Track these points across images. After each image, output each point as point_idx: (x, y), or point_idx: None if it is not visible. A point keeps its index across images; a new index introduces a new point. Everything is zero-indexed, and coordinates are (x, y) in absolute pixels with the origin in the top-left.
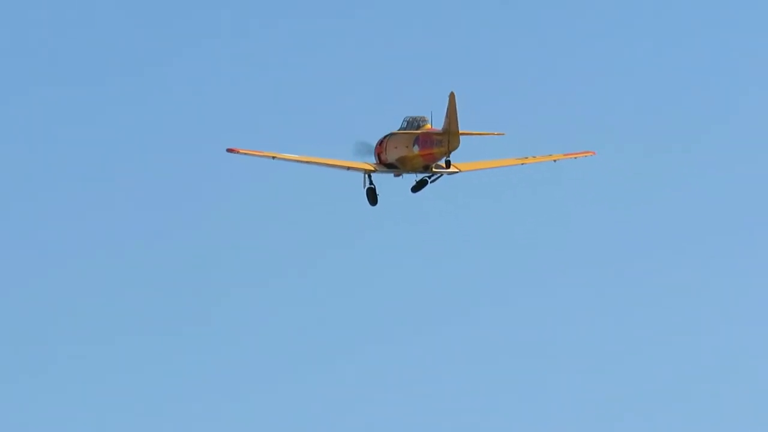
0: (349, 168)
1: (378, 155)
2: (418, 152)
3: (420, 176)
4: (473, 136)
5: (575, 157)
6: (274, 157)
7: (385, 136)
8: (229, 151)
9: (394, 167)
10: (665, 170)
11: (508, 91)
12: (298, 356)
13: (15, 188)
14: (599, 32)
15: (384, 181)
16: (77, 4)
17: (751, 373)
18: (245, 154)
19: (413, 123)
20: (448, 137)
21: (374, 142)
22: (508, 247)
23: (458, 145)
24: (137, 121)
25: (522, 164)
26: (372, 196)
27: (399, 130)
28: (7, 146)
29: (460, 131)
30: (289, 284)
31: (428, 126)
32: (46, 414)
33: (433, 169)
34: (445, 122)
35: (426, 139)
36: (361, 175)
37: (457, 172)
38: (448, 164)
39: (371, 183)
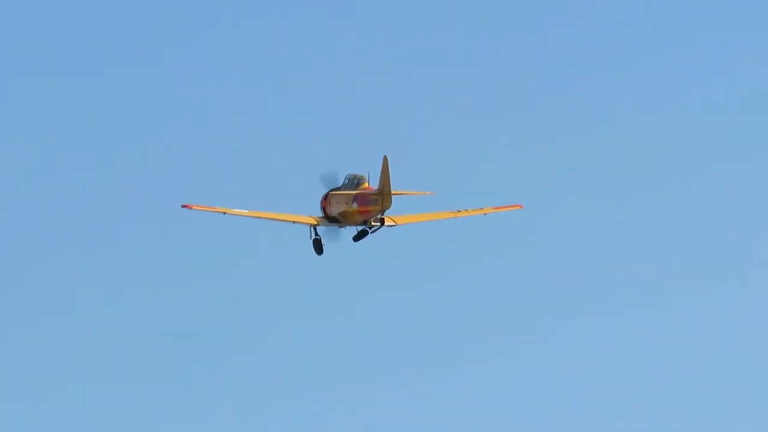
0: (294, 222)
1: (323, 209)
2: (357, 209)
3: (360, 228)
4: (405, 195)
5: (504, 210)
6: (225, 213)
7: (330, 191)
8: (184, 206)
9: (336, 221)
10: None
11: (439, 150)
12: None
13: None
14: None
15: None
16: None
17: (742, 370)
18: (199, 209)
19: (353, 181)
20: (382, 197)
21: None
22: (442, 291)
23: (390, 205)
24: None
25: (455, 217)
26: (318, 247)
27: (342, 185)
28: None
29: (393, 191)
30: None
31: (366, 185)
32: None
33: (372, 223)
34: (379, 183)
35: (363, 198)
36: (308, 228)
37: (393, 225)
38: (381, 221)
39: (317, 234)
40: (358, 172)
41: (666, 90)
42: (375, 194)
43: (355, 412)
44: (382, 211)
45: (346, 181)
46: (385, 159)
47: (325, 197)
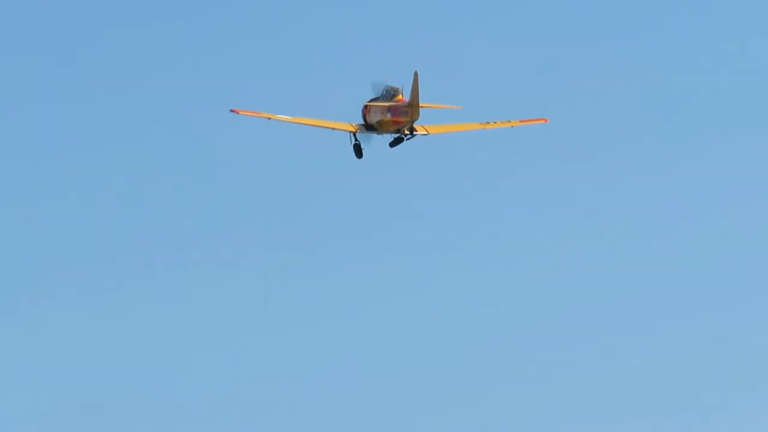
0: (334, 128)
1: (364, 116)
2: (390, 118)
3: (395, 136)
4: (434, 108)
5: (530, 123)
6: (270, 118)
7: (370, 100)
8: (233, 111)
9: (374, 129)
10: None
11: (468, 65)
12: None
13: None
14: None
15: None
16: None
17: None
18: (246, 114)
19: (390, 92)
20: (411, 109)
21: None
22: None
23: (419, 117)
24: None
25: (483, 128)
26: (358, 151)
27: (380, 96)
28: None
29: (421, 104)
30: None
31: (400, 97)
32: None
33: (405, 131)
34: (410, 96)
35: (396, 109)
36: (347, 134)
37: (426, 134)
38: (411, 131)
39: (356, 140)
40: (395, 83)
41: None
42: (406, 106)
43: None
44: (412, 122)
45: (383, 93)
46: (416, 74)
47: (365, 106)
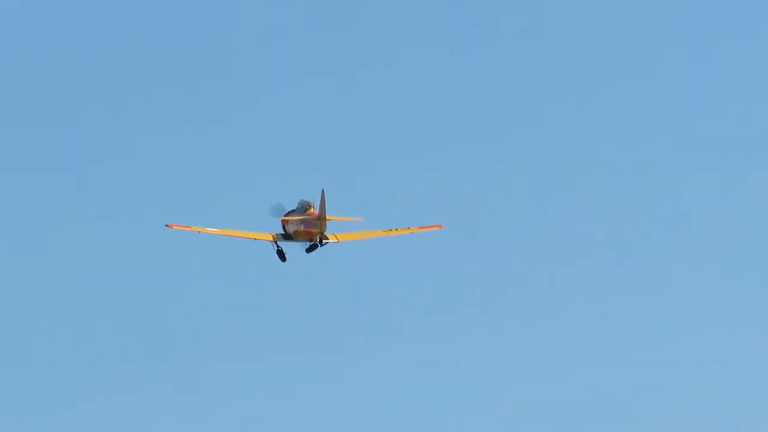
0: (256, 239)
1: (283, 226)
2: (303, 229)
3: (310, 243)
4: (339, 220)
5: (426, 230)
6: (200, 231)
7: (287, 213)
8: (168, 226)
9: (290, 237)
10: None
11: (368, 178)
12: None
13: None
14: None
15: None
16: None
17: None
18: (180, 228)
19: (303, 206)
20: (320, 222)
21: (285, 206)
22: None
23: (326, 228)
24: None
25: (386, 235)
26: (281, 256)
27: (295, 209)
28: None
29: (328, 217)
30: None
31: (311, 210)
32: None
33: (318, 240)
34: (318, 210)
35: (308, 222)
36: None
37: (337, 241)
38: (320, 240)
39: (278, 247)
40: (308, 197)
41: None
42: (315, 219)
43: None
44: (321, 232)
45: (298, 206)
46: (323, 192)
47: (284, 218)
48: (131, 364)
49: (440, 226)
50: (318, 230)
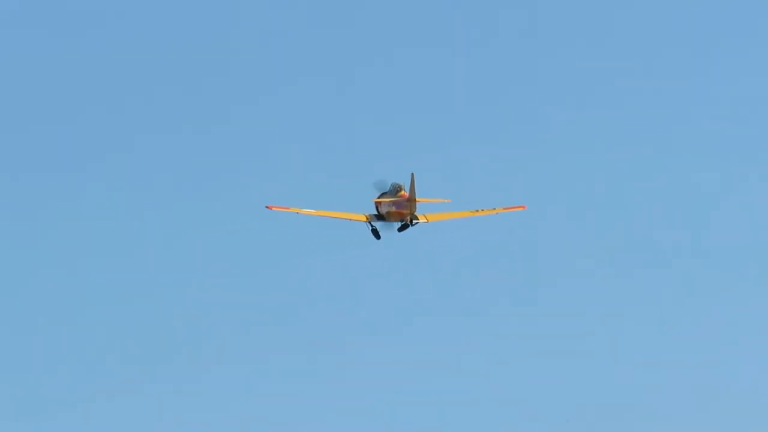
0: (351, 219)
1: (377, 208)
2: (395, 210)
3: (401, 223)
4: (428, 202)
5: (510, 210)
6: (298, 212)
7: (380, 195)
8: (268, 207)
9: (383, 218)
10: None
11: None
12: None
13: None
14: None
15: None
16: None
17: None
18: (280, 210)
19: (395, 188)
20: (410, 203)
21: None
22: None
23: (415, 210)
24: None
25: (472, 215)
26: (376, 234)
27: (387, 191)
28: None
29: (417, 199)
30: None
31: (402, 192)
32: None
33: (409, 220)
34: (408, 192)
35: (398, 203)
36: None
37: (426, 221)
38: (411, 220)
39: (372, 226)
40: (400, 180)
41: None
42: (406, 201)
43: None
44: (411, 213)
45: (390, 188)
46: (412, 175)
47: (378, 201)
48: (242, 337)
49: (524, 207)
50: (408, 211)
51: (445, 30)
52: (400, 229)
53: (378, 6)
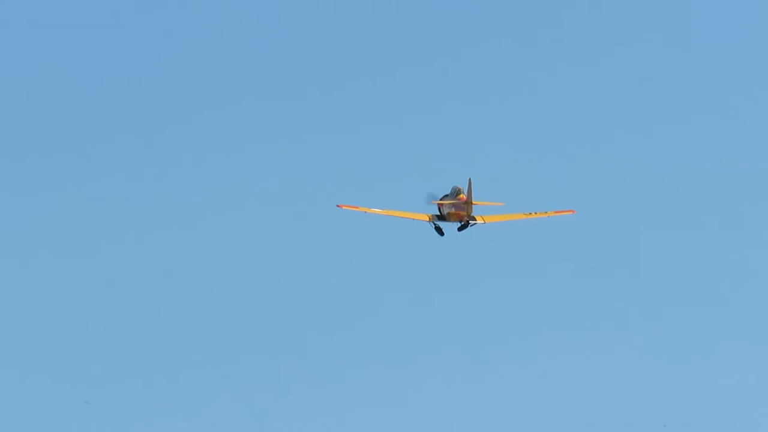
0: (414, 218)
1: (439, 209)
2: (454, 212)
3: (461, 223)
4: (484, 205)
5: (561, 214)
6: (367, 212)
7: (442, 198)
8: (339, 206)
9: (444, 218)
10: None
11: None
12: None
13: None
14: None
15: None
16: None
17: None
18: (350, 209)
19: (455, 191)
20: (467, 206)
21: (437, 195)
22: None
23: (471, 212)
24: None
25: (526, 218)
26: (439, 231)
27: (449, 194)
28: None
29: (473, 202)
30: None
31: (462, 196)
32: None
33: (468, 220)
34: (466, 196)
35: (458, 206)
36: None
37: (484, 222)
38: (466, 223)
39: (436, 225)
40: (459, 183)
41: None
42: (463, 203)
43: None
44: (468, 215)
45: (451, 191)
46: (470, 180)
47: (440, 202)
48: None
49: (573, 212)
50: (466, 213)
51: (494, 35)
52: (460, 229)
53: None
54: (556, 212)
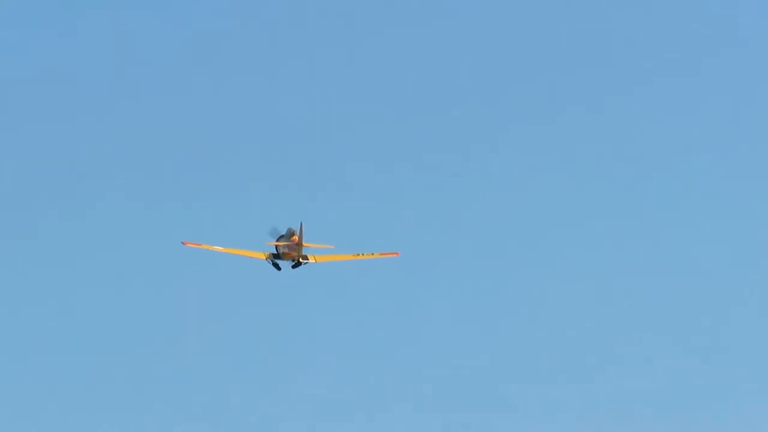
0: (252, 256)
1: (276, 248)
2: (288, 252)
3: (294, 261)
4: (312, 247)
5: (385, 256)
6: (209, 249)
7: (278, 238)
8: (185, 243)
9: (279, 257)
10: None
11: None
12: None
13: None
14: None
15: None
16: None
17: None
18: (194, 246)
19: (290, 232)
20: (298, 247)
21: (280, 230)
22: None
23: (301, 253)
24: None
25: (354, 258)
26: (276, 267)
27: (284, 234)
28: None
29: (304, 243)
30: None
31: (294, 237)
32: None
33: (300, 260)
34: (297, 238)
35: (290, 247)
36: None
37: (315, 262)
38: (297, 263)
39: (273, 261)
40: (293, 225)
41: None
42: (295, 245)
43: None
44: (299, 255)
45: (286, 232)
46: (301, 224)
47: (276, 243)
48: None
49: (397, 254)
50: (297, 253)
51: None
52: (294, 266)
53: None
54: (382, 254)
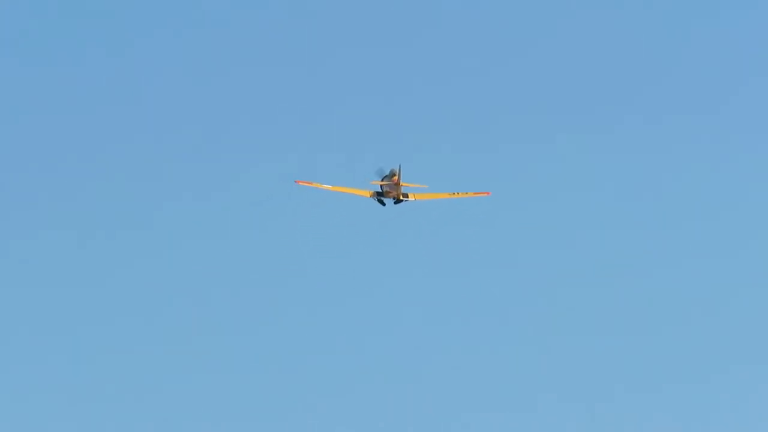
0: (357, 194)
1: (381, 187)
2: (389, 191)
3: (396, 199)
4: (411, 186)
5: (476, 195)
6: (319, 187)
7: (382, 178)
8: (297, 182)
9: (382, 194)
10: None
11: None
12: None
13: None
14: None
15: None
16: None
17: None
18: (307, 185)
19: (391, 173)
20: (397, 187)
21: (385, 170)
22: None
23: (400, 192)
24: None
25: (450, 197)
26: (381, 203)
27: (386, 174)
28: None
29: (402, 183)
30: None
31: (395, 177)
32: None
33: (401, 197)
34: (397, 179)
35: (391, 185)
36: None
37: (414, 200)
38: (397, 201)
39: (377, 198)
40: (395, 166)
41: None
42: (395, 184)
43: None
44: (400, 193)
45: (388, 172)
46: (399, 166)
47: (381, 182)
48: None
49: (488, 193)
50: (396, 192)
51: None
52: (396, 203)
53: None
54: (476, 193)
